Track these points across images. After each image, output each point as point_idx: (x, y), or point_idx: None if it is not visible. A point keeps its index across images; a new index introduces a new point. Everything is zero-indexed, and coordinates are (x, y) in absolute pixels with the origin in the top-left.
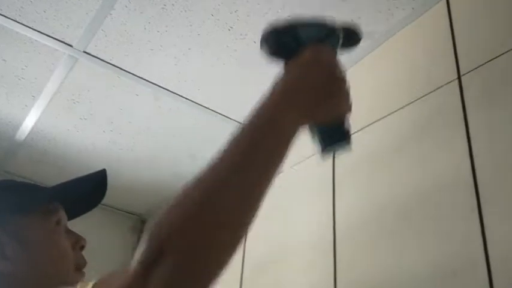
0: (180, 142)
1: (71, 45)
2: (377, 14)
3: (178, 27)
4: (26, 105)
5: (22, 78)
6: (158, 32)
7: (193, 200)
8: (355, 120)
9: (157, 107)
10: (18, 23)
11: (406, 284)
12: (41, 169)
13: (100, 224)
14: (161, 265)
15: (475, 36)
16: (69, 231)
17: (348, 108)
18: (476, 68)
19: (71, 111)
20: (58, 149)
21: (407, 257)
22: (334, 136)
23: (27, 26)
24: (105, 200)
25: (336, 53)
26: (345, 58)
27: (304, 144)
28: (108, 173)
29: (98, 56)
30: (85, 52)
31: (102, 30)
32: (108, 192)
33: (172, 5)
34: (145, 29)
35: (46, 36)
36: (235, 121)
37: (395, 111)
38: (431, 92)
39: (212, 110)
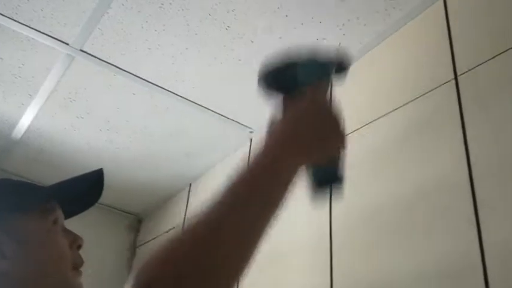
0: (177, 141)
1: (67, 44)
2: (374, 14)
3: (176, 26)
4: (22, 104)
5: (19, 76)
6: (155, 31)
7: (188, 240)
8: (351, 120)
9: (154, 106)
10: (15, 21)
11: (402, 284)
12: (37, 168)
13: (96, 223)
14: None
15: (471, 37)
16: (66, 230)
17: (343, 149)
18: (473, 68)
19: (68, 109)
20: (54, 148)
21: (404, 257)
22: (327, 177)
23: (24, 24)
24: (101, 199)
25: (328, 87)
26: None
27: None
28: (104, 172)
29: (95, 55)
30: (82, 51)
31: (99, 28)
32: (104, 191)
33: (170, 4)
34: (142, 27)
35: (43, 35)
36: (233, 120)
37: (391, 111)
38: (428, 92)
39: (209, 109)
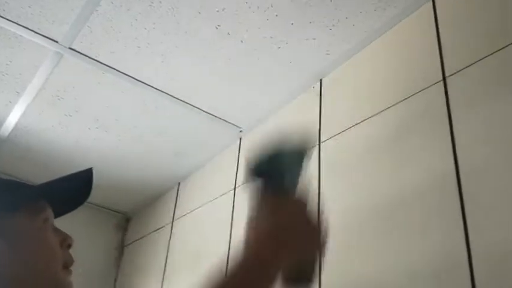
0: (166, 140)
1: (56, 41)
2: (363, 15)
3: (166, 24)
4: (10, 101)
5: (6, 74)
6: (145, 29)
7: None
8: (341, 120)
9: (143, 104)
10: (3, 18)
11: (392, 284)
12: (24, 166)
13: (84, 222)
14: None
15: (460, 38)
16: (56, 230)
17: (320, 252)
18: (461, 70)
19: (56, 107)
20: (42, 146)
21: (393, 257)
22: (299, 276)
23: (12, 21)
24: (89, 198)
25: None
26: (329, 61)
27: None
28: (93, 170)
29: (84, 53)
30: (70, 48)
31: (88, 26)
32: (93, 190)
33: (160, 2)
34: (131, 25)
35: (31, 32)
36: (222, 119)
37: (380, 112)
38: (416, 93)
39: (198, 108)
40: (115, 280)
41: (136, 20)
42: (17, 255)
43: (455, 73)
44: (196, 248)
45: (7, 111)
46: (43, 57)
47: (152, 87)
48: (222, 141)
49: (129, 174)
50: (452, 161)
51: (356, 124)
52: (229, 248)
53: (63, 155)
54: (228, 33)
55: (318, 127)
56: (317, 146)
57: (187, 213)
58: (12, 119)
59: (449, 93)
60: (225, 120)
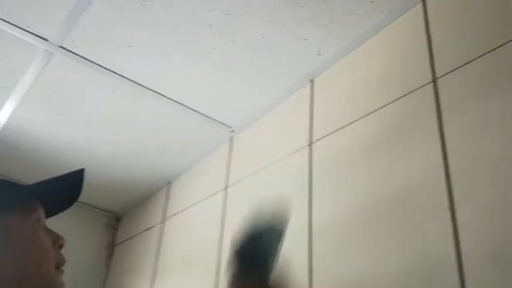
0: (157, 140)
1: (47, 40)
2: (355, 16)
3: (158, 24)
4: None
5: None
6: (137, 28)
7: None
8: (329, 122)
9: (134, 104)
10: None
11: (380, 284)
12: (13, 165)
13: (74, 221)
14: None
15: (451, 40)
16: (48, 230)
17: None
18: (452, 71)
19: (46, 106)
20: (32, 145)
21: (382, 257)
22: None
23: (2, 20)
24: (80, 197)
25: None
26: (320, 62)
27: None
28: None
29: (75, 52)
30: (61, 47)
31: (79, 25)
32: (83, 189)
33: (151, 1)
34: (123, 25)
35: (21, 30)
36: (213, 119)
37: (371, 113)
38: (407, 94)
39: (190, 108)
40: (105, 280)
41: (128, 19)
42: (9, 254)
43: (445, 74)
44: (187, 248)
45: None
46: (33, 56)
47: (143, 86)
48: (213, 141)
49: (119, 173)
50: (443, 162)
51: (347, 125)
52: (219, 248)
53: (53, 155)
54: (220, 33)
55: (309, 127)
56: (309, 147)
57: (178, 212)
58: (2, 118)
59: (440, 94)
60: (216, 120)
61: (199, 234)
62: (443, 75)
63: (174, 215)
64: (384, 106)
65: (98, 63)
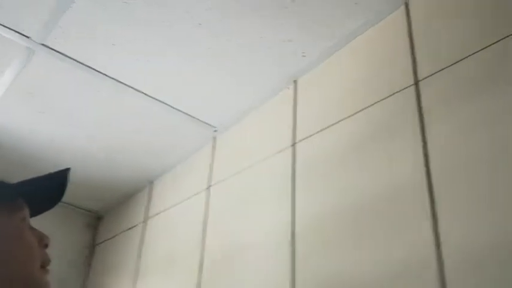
0: (139, 139)
1: (28, 37)
2: (337, 18)
3: (140, 22)
4: None
5: None
6: (120, 26)
7: None
8: (312, 124)
9: (117, 102)
10: None
11: (363, 284)
12: None
13: (54, 220)
14: None
15: (433, 43)
16: (33, 229)
17: None
18: (434, 73)
19: (28, 104)
20: (13, 143)
21: (365, 257)
22: None
23: None
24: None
25: None
26: (304, 63)
27: (265, 144)
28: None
29: (57, 49)
30: (43, 45)
31: (62, 22)
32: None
33: None
34: (107, 23)
35: (3, 27)
36: (197, 119)
37: (354, 114)
38: (389, 96)
39: (173, 108)
40: (86, 279)
41: (111, 17)
42: None
43: (428, 76)
44: (169, 247)
45: None
46: (14, 53)
47: (126, 85)
48: (196, 141)
49: (101, 172)
50: (425, 164)
51: (330, 125)
52: (202, 248)
53: (35, 153)
54: (204, 33)
55: (293, 128)
56: (292, 147)
57: (160, 212)
58: None
59: (422, 96)
60: (200, 120)
61: (182, 234)
62: (426, 78)
63: (157, 214)
64: (367, 107)
65: (80, 61)
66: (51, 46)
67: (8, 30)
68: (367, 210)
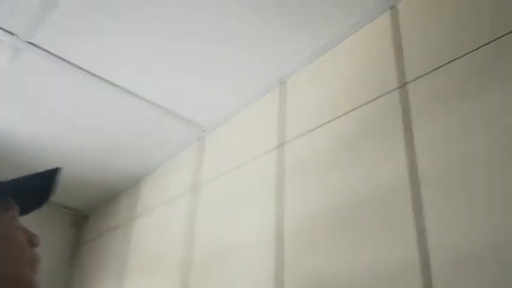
0: (127, 138)
1: (14, 35)
2: (325, 20)
3: (127, 20)
4: None
5: None
6: (109, 25)
7: None
8: (300, 124)
9: (104, 101)
10: None
11: (351, 284)
12: None
13: (40, 219)
14: None
15: (421, 46)
16: (22, 228)
17: None
18: (421, 76)
19: (13, 103)
20: None
21: (354, 257)
22: None
23: None
24: None
25: None
26: (294, 63)
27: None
28: (50, 166)
29: (44, 48)
30: (30, 43)
31: (49, 20)
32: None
33: None
34: (95, 21)
35: None
36: (185, 119)
37: (341, 116)
38: (376, 98)
39: (162, 107)
40: (70, 279)
41: (99, 15)
42: None
43: (415, 79)
44: (156, 247)
45: None
46: (0, 51)
47: (113, 84)
48: (184, 141)
49: (87, 171)
50: (411, 165)
51: (320, 125)
52: (188, 248)
53: (20, 152)
54: (193, 31)
55: (281, 128)
56: (280, 147)
57: (147, 211)
58: None
59: (409, 98)
60: (188, 119)
61: (169, 234)
62: (413, 80)
63: (143, 214)
64: (358, 107)
65: (67, 60)
66: (38, 44)
67: None
68: (357, 210)
